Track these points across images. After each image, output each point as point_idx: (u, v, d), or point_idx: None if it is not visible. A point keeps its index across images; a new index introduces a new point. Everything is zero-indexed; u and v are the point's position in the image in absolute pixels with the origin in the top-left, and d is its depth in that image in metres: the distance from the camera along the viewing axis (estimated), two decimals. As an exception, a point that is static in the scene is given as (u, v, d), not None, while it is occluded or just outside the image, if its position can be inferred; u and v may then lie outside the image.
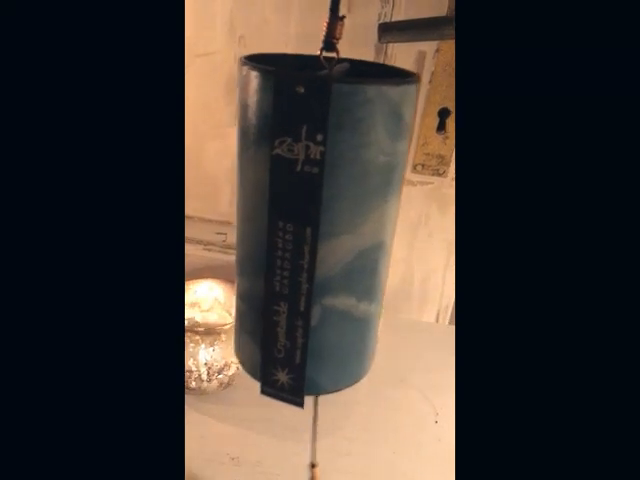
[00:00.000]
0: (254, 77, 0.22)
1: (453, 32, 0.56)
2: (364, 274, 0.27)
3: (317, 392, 0.30)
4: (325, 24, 0.24)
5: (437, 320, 0.79)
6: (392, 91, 0.22)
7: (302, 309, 0.26)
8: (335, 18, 0.24)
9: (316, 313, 0.26)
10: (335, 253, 0.25)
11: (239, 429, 0.56)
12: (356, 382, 0.32)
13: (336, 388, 0.30)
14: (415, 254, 0.74)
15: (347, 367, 0.30)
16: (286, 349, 0.27)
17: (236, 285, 0.30)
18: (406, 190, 0.69)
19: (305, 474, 0.51)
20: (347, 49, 0.63)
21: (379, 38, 0.60)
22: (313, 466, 0.41)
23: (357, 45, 0.64)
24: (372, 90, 0.22)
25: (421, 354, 0.71)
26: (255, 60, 0.24)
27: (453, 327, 0.78)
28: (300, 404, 0.29)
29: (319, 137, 0.21)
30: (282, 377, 0.28)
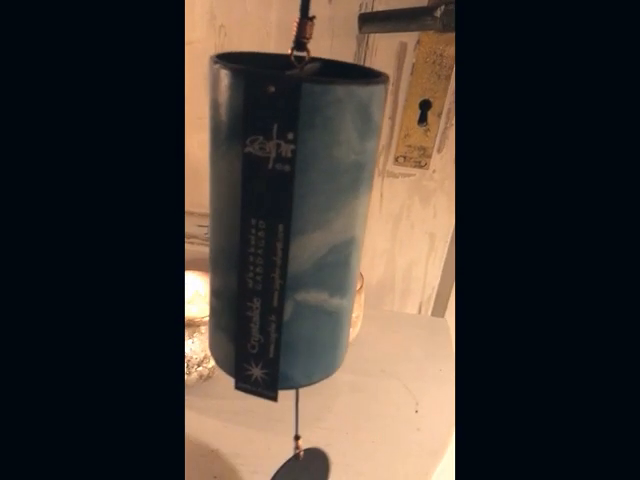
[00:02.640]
0: (224, 76, 0.22)
1: (433, 23, 0.56)
2: (336, 269, 0.27)
3: (290, 386, 0.30)
4: (295, 24, 0.24)
5: (419, 311, 0.80)
6: (361, 91, 0.22)
7: (275, 305, 0.26)
8: (305, 18, 0.24)
9: (289, 308, 0.27)
10: (307, 249, 0.25)
11: (219, 421, 0.56)
12: (329, 375, 0.32)
13: (309, 382, 0.31)
14: (397, 246, 0.74)
15: (320, 360, 0.31)
16: (260, 344, 0.27)
17: (210, 282, 0.30)
18: (388, 182, 0.70)
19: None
20: (328, 40, 0.63)
21: (359, 29, 0.59)
22: (297, 438, 0.42)
23: (338, 36, 0.64)
24: (341, 90, 0.22)
25: (403, 345, 0.72)
26: (227, 58, 0.24)
27: (435, 319, 0.79)
28: (274, 398, 0.29)
29: (290, 136, 0.22)
30: (256, 372, 0.28)
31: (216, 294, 0.30)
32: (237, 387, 0.30)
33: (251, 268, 0.25)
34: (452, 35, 0.61)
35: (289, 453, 0.53)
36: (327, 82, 0.21)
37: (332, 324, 0.30)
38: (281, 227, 0.24)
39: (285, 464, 0.43)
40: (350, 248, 0.27)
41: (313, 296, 0.27)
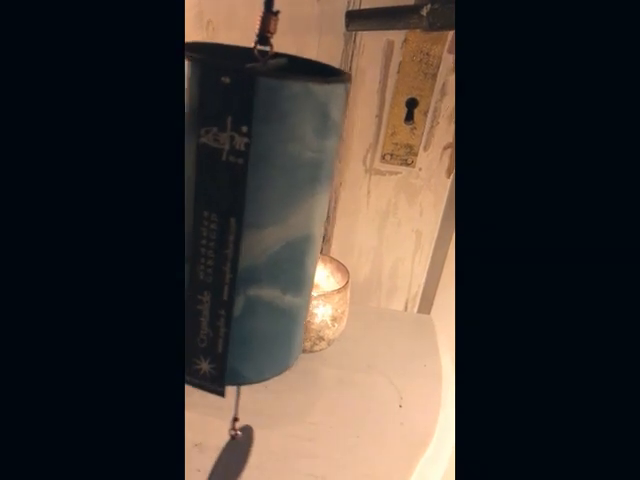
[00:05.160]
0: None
1: (419, 21, 0.56)
2: (290, 266, 0.27)
3: (241, 382, 0.30)
4: (258, 18, 0.24)
5: (405, 309, 0.80)
6: (318, 89, 0.23)
7: (225, 298, 0.26)
8: (269, 13, 0.24)
9: (240, 303, 0.26)
10: (261, 244, 0.25)
11: (202, 416, 0.56)
12: (280, 373, 0.32)
13: (259, 379, 0.31)
14: (384, 243, 0.75)
15: (271, 358, 0.31)
16: (209, 338, 0.27)
17: None
18: (375, 179, 0.70)
19: (269, 460, 0.52)
20: (316, 37, 0.63)
21: (346, 26, 0.60)
22: (236, 420, 0.42)
23: (326, 34, 0.64)
24: (298, 86, 0.22)
25: (389, 341, 0.72)
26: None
27: (421, 315, 0.80)
28: (221, 393, 0.29)
29: (244, 128, 0.22)
30: (204, 366, 0.28)
31: None
32: (185, 382, 0.29)
33: (202, 260, 0.25)
34: (439, 34, 0.62)
35: (271, 447, 0.53)
36: (284, 77, 0.21)
37: (285, 321, 0.29)
38: (233, 221, 0.24)
39: (225, 448, 0.43)
40: (305, 245, 0.27)
41: (265, 292, 0.27)
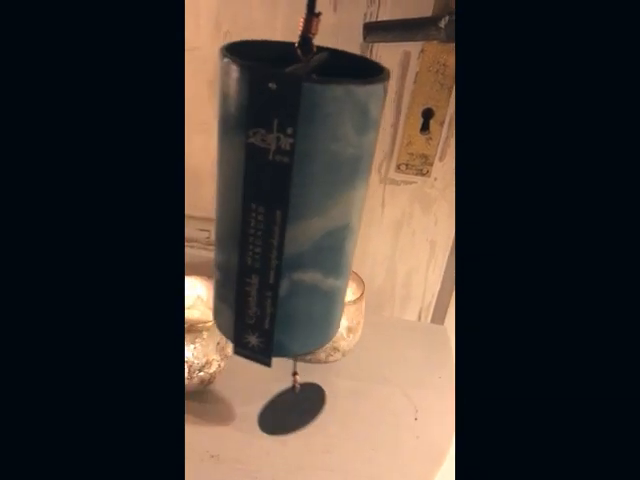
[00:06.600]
0: (231, 70, 0.24)
1: (437, 33, 0.56)
2: (331, 252, 0.29)
3: (286, 354, 0.33)
4: (301, 20, 0.25)
5: (419, 318, 0.80)
6: (359, 90, 0.24)
7: (271, 282, 0.28)
8: (311, 14, 0.25)
9: (285, 285, 0.29)
10: (305, 233, 0.27)
11: (219, 427, 0.56)
12: (322, 346, 0.35)
13: (303, 350, 0.34)
14: (398, 253, 0.75)
15: (313, 333, 0.33)
16: (256, 316, 0.30)
17: (214, 256, 0.33)
18: (390, 189, 0.70)
19: (284, 473, 0.52)
20: (332, 47, 0.63)
21: (364, 37, 0.60)
22: (295, 374, 0.44)
23: (342, 44, 0.64)
24: (340, 89, 0.23)
25: (403, 352, 0.72)
26: (238, 48, 0.25)
27: (434, 325, 0.79)
28: (268, 364, 0.32)
29: (289, 130, 0.23)
30: (253, 340, 0.31)
31: (219, 267, 0.32)
32: (235, 352, 0.32)
33: (250, 248, 0.27)
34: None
35: (285, 459, 0.53)
36: (327, 82, 0.23)
37: (326, 302, 0.32)
38: (279, 213, 0.25)
39: (281, 393, 0.45)
40: (345, 233, 0.29)
41: (309, 276, 0.29)
